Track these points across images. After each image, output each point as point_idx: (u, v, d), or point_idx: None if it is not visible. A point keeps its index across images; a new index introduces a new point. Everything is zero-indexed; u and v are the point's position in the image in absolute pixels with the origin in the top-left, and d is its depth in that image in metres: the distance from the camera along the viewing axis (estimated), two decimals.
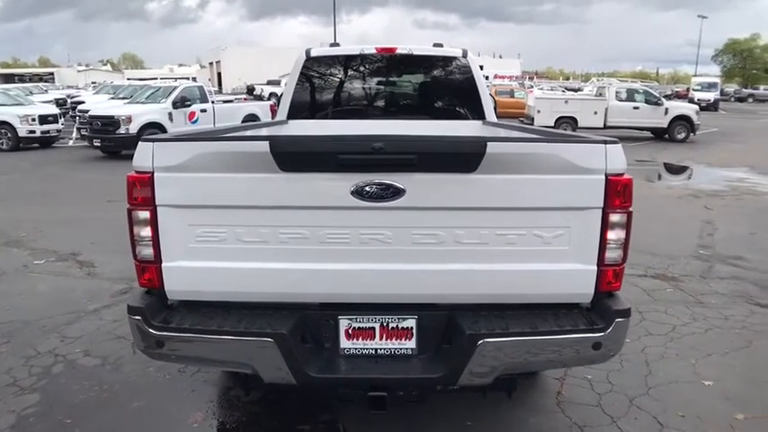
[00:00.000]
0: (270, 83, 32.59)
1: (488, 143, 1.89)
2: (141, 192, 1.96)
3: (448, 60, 4.46)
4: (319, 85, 4.52)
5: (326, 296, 2.06)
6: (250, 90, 31.23)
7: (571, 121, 16.62)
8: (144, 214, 1.98)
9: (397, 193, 1.92)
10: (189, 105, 12.88)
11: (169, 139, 1.98)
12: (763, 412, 2.79)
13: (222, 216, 1.98)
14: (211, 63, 62.97)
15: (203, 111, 13.04)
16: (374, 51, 4.36)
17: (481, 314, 2.06)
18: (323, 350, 2.09)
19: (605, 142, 1.98)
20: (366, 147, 1.86)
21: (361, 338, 2.09)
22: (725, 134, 19.40)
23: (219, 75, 55.44)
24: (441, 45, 4.51)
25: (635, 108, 16.89)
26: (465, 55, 4.41)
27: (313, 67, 4.40)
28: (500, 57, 71.62)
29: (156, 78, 32.89)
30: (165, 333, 1.97)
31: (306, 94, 4.44)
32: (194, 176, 1.94)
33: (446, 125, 4.25)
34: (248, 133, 3.15)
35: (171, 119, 12.41)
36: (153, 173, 1.94)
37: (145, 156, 1.95)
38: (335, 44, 4.51)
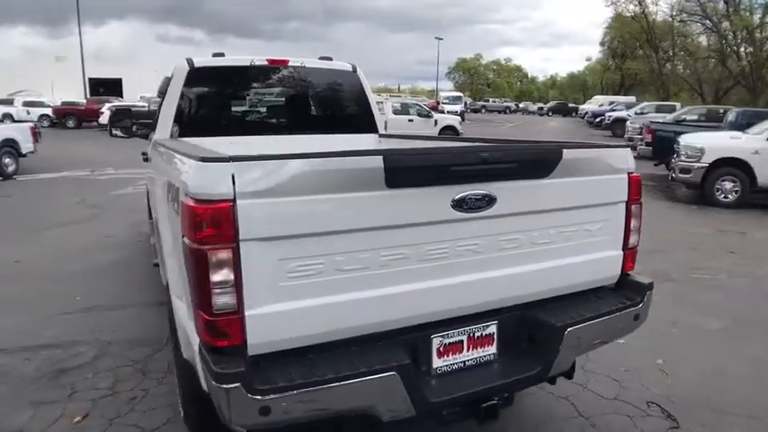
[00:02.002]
0: None
1: (564, 150, 2.06)
2: (217, 225, 1.56)
3: (339, 74, 4.47)
4: (205, 99, 4.07)
5: (424, 316, 1.95)
6: None
7: None
8: (222, 254, 1.58)
9: (490, 201, 1.94)
10: None
11: (256, 158, 1.61)
12: None
13: (319, 244, 1.70)
14: None
15: None
16: (265, 63, 4.14)
17: (548, 307, 2.21)
18: (422, 373, 1.97)
19: (626, 147, 2.34)
20: (475, 157, 1.85)
21: (450, 354, 2.03)
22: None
23: None
24: (330, 58, 4.49)
25: (410, 120, 18.90)
26: (354, 69, 4.49)
27: (197, 80, 3.95)
28: None
29: None
30: (274, 396, 1.59)
31: (190, 109, 3.96)
32: (289, 201, 1.63)
33: (346, 139, 4.27)
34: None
35: None
36: (234, 200, 1.58)
37: (218, 179, 1.56)
38: (219, 54, 4.11)
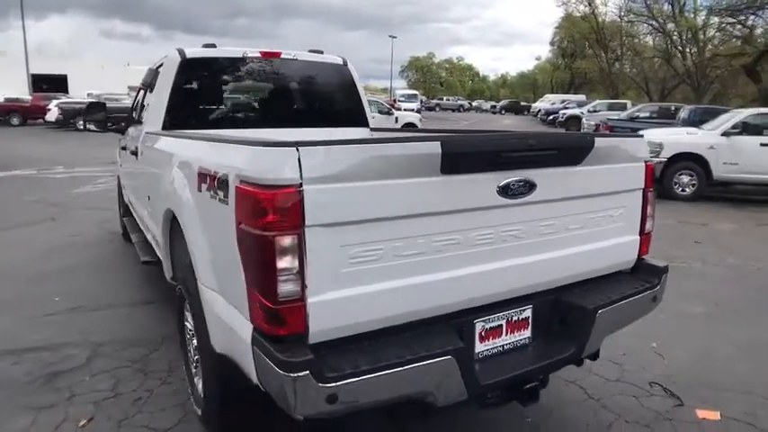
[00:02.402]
0: None
1: (595, 138, 2.12)
2: (284, 211, 1.53)
3: (331, 68, 4.44)
4: (198, 91, 3.96)
5: (471, 301, 1.97)
6: None
7: None
8: (289, 240, 1.55)
9: (531, 187, 1.98)
10: None
11: (321, 144, 1.58)
12: None
13: (378, 230, 1.69)
14: None
15: None
16: (258, 55, 4.06)
17: (576, 291, 2.28)
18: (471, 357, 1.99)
19: (641, 137, 2.44)
20: (523, 144, 1.89)
21: (491, 338, 2.06)
22: None
23: None
24: (321, 52, 4.45)
25: (372, 117, 18.87)
26: (345, 63, 4.48)
27: (189, 71, 3.83)
28: None
29: None
30: (341, 383, 1.56)
31: (182, 101, 3.84)
32: (352, 187, 1.61)
33: (342, 133, 4.25)
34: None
35: None
36: (301, 186, 1.55)
37: (285, 165, 1.53)
38: (211, 45, 3.99)
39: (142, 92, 4.63)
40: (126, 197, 5.57)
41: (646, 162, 2.43)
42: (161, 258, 3.18)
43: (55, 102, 24.10)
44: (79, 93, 31.39)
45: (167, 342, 3.62)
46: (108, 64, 43.53)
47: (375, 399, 1.67)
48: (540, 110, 38.93)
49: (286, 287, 1.56)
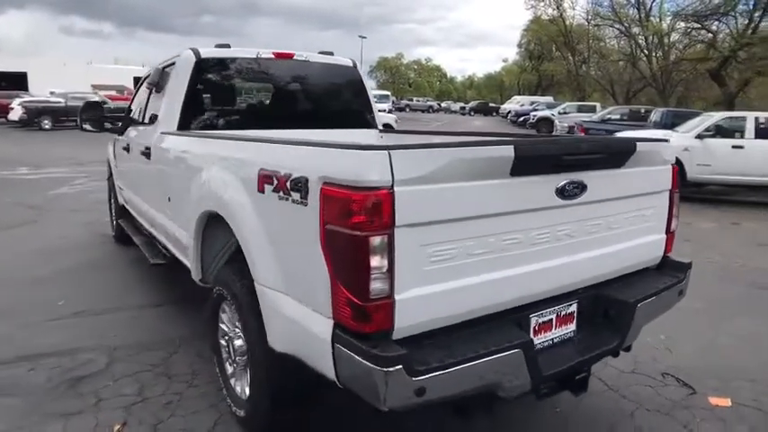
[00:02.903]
0: None
1: (637, 143, 2.24)
2: (377, 212, 1.58)
3: (341, 69, 4.47)
4: (213, 91, 3.93)
5: (529, 297, 2.05)
6: None
7: None
8: (381, 240, 1.60)
9: (582, 189, 2.08)
10: None
11: (410, 147, 1.63)
12: None
13: (454, 230, 1.76)
14: None
15: None
16: (271, 56, 4.06)
17: (613, 286, 2.39)
18: None
19: (667, 141, 2.58)
20: (579, 148, 1.99)
21: (543, 332, 2.15)
22: None
23: None
24: (331, 53, 4.47)
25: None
26: (354, 65, 4.52)
27: (204, 71, 3.81)
28: None
29: None
30: (429, 376, 1.62)
31: (197, 101, 3.81)
32: (435, 188, 1.67)
33: (353, 134, 4.29)
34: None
35: None
36: (392, 187, 1.60)
37: (376, 167, 1.59)
38: (225, 45, 3.97)
39: (146, 91, 4.56)
40: (121, 198, 5.46)
41: (672, 165, 2.56)
42: (187, 260, 3.16)
43: (18, 100, 23.21)
44: (40, 91, 30.30)
45: (185, 345, 3.60)
46: (70, 61, 42.18)
47: (456, 391, 1.73)
48: (509, 111, 39.57)
49: (377, 285, 1.61)
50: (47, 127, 22.22)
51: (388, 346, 1.62)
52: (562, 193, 2.01)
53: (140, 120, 4.63)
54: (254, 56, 4.00)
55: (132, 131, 4.76)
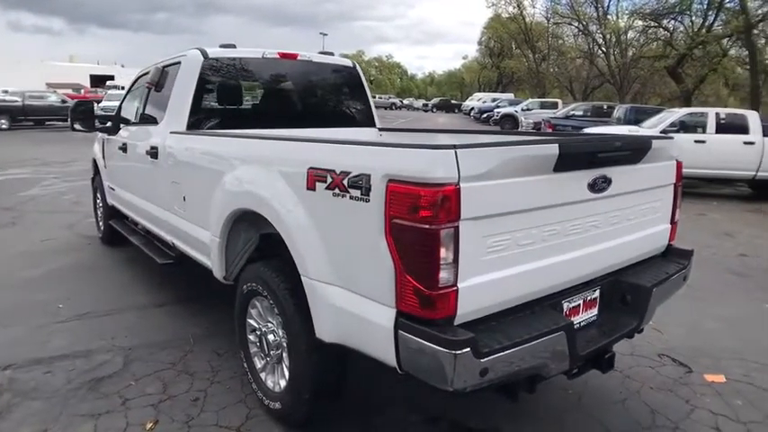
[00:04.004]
0: None
1: (653, 140, 2.43)
2: (446, 206, 1.70)
3: (342, 69, 4.56)
4: (220, 90, 3.96)
5: (563, 284, 2.21)
6: None
7: None
8: (449, 233, 1.72)
9: (609, 183, 2.25)
10: None
11: (473, 146, 1.76)
12: None
13: (506, 222, 1.90)
14: None
15: None
16: (276, 56, 4.11)
17: (629, 273, 2.57)
18: None
19: (672, 138, 2.79)
20: (612, 145, 2.15)
21: (572, 316, 2.31)
22: None
23: None
24: (331, 53, 4.55)
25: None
26: (354, 65, 4.61)
27: (211, 71, 3.83)
28: (122, 66, 66.04)
29: None
30: (492, 358, 1.75)
31: (205, 101, 3.84)
32: (492, 184, 1.81)
33: (355, 133, 4.40)
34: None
35: None
36: (459, 183, 1.72)
37: (445, 164, 1.70)
38: (230, 45, 3.99)
39: (143, 91, 4.52)
40: (111, 199, 5.39)
41: (677, 160, 2.77)
42: (206, 259, 3.19)
43: None
44: None
45: (199, 343, 3.63)
46: (23, 59, 40.39)
47: (512, 371, 1.87)
48: (472, 108, 40.20)
49: (444, 275, 1.73)
50: (4, 127, 21.27)
51: (454, 331, 1.75)
52: (593, 187, 2.18)
53: (137, 119, 4.59)
54: (260, 56, 4.04)
55: (129, 131, 4.71)
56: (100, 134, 5.58)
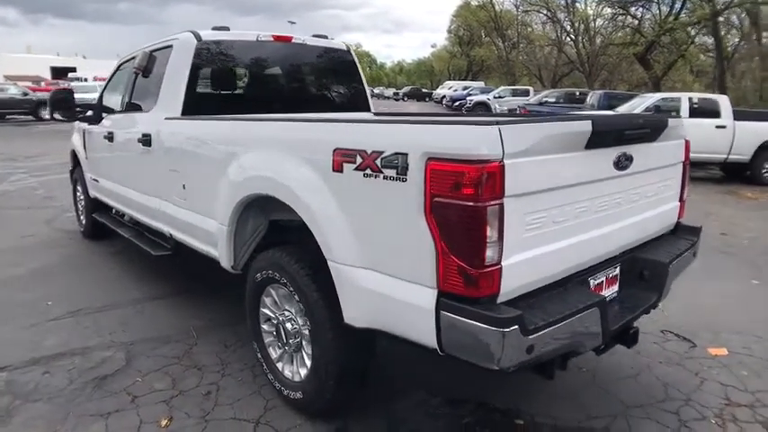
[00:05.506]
0: None
1: (669, 119, 2.45)
2: (492, 184, 1.66)
3: (336, 53, 4.47)
4: (215, 74, 3.83)
5: (590, 261, 2.21)
6: None
7: None
8: (494, 210, 1.69)
9: (631, 161, 2.26)
10: None
11: (515, 122, 1.73)
12: None
13: (543, 199, 1.88)
14: None
15: None
16: (271, 38, 4.00)
17: (644, 249, 2.60)
18: None
19: (681, 118, 2.83)
20: (637, 123, 2.16)
21: (597, 293, 2.32)
22: None
23: None
24: (325, 37, 4.45)
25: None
26: (348, 49, 4.53)
27: (205, 55, 3.70)
28: (84, 57, 63.88)
29: None
30: (538, 335, 1.74)
31: (200, 85, 3.71)
32: (531, 161, 1.78)
33: (352, 117, 4.32)
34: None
35: None
36: (503, 159, 1.69)
37: (489, 141, 1.67)
38: (223, 27, 3.85)
39: (129, 77, 4.35)
40: (93, 191, 5.19)
41: (686, 139, 2.80)
42: (211, 249, 3.09)
43: None
44: None
45: (203, 335, 3.54)
46: None
47: (553, 348, 1.86)
48: (444, 96, 40.21)
49: (489, 252, 1.70)
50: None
51: (500, 309, 1.73)
52: (617, 164, 2.18)
53: (123, 107, 4.42)
54: (254, 39, 3.92)
55: (113, 120, 4.53)
56: (79, 124, 5.36)
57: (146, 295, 4.23)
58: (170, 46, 3.77)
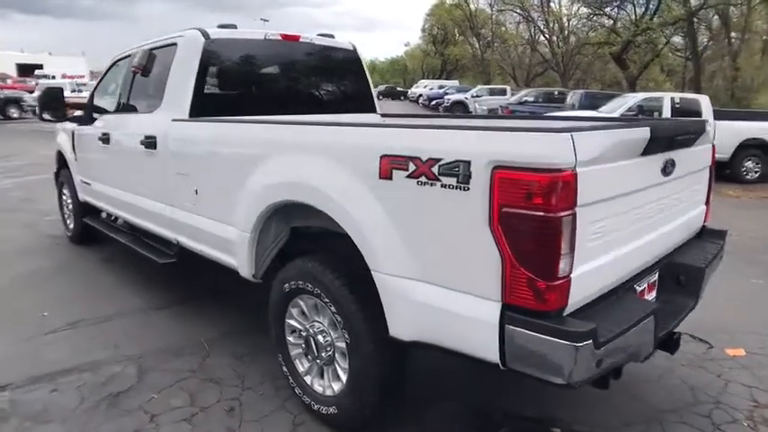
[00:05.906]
0: None
1: (706, 124, 2.44)
2: (565, 193, 1.60)
3: (343, 53, 4.36)
4: (222, 74, 3.69)
5: (638, 267, 2.18)
6: None
7: None
8: (568, 219, 1.63)
9: (674, 166, 2.24)
10: None
11: (585, 129, 1.67)
12: None
13: (606, 208, 1.84)
14: None
15: None
16: (279, 37, 3.88)
17: (678, 254, 2.58)
18: None
19: (707, 122, 2.84)
20: (685, 128, 2.14)
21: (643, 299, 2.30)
22: None
23: None
24: (331, 36, 4.34)
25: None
26: (354, 48, 4.43)
27: (213, 53, 3.56)
28: (50, 53, 61.85)
29: None
30: (606, 348, 1.68)
31: (208, 85, 3.56)
32: (599, 168, 1.73)
33: (360, 118, 4.24)
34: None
35: None
36: (575, 168, 1.63)
37: (563, 149, 1.60)
38: (230, 25, 3.71)
39: (127, 76, 4.16)
40: (83, 195, 4.97)
41: (713, 144, 2.81)
42: (228, 257, 2.96)
43: None
44: None
45: (215, 346, 3.40)
46: None
47: (618, 358, 1.81)
48: (420, 95, 40.18)
49: (563, 264, 1.64)
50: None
51: (571, 323, 1.67)
52: (664, 170, 2.16)
53: (120, 108, 4.23)
54: (262, 37, 3.79)
55: (108, 120, 4.33)
56: (66, 125, 5.12)
57: (149, 304, 4.05)
58: (173, 44, 3.61)
